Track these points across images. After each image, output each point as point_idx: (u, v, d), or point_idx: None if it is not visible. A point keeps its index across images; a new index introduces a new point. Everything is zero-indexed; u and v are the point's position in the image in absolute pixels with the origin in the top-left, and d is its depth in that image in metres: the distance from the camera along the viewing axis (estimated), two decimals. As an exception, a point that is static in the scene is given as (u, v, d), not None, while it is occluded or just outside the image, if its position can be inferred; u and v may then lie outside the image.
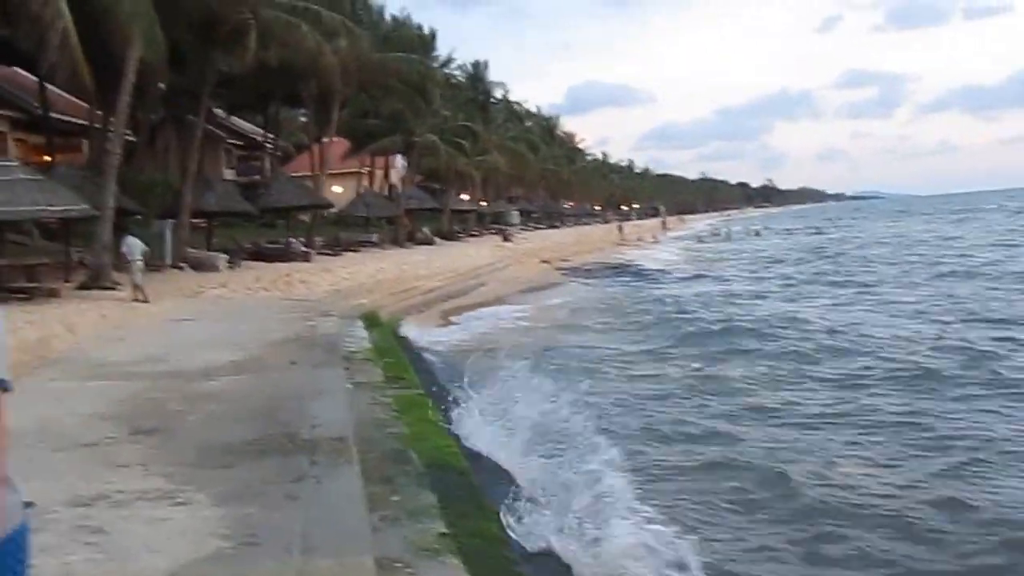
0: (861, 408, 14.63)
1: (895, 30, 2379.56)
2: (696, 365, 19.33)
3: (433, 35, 60.63)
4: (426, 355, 19.39)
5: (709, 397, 15.95)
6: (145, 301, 21.00)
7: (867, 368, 18.07)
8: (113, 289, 22.71)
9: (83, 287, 22.80)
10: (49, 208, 21.37)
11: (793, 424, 13.86)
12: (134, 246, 22.35)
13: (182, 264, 28.99)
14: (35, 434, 8.63)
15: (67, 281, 23.30)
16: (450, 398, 13.59)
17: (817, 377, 17.52)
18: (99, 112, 31.71)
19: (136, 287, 21.47)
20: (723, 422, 14.10)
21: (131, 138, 34.31)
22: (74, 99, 34.73)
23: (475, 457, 10.69)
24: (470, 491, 9.05)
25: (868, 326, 23.91)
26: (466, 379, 13.69)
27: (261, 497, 6.74)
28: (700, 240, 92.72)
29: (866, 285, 35.60)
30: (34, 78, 32.86)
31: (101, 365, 13.33)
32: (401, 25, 54.53)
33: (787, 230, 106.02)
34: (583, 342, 23.39)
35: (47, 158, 34.28)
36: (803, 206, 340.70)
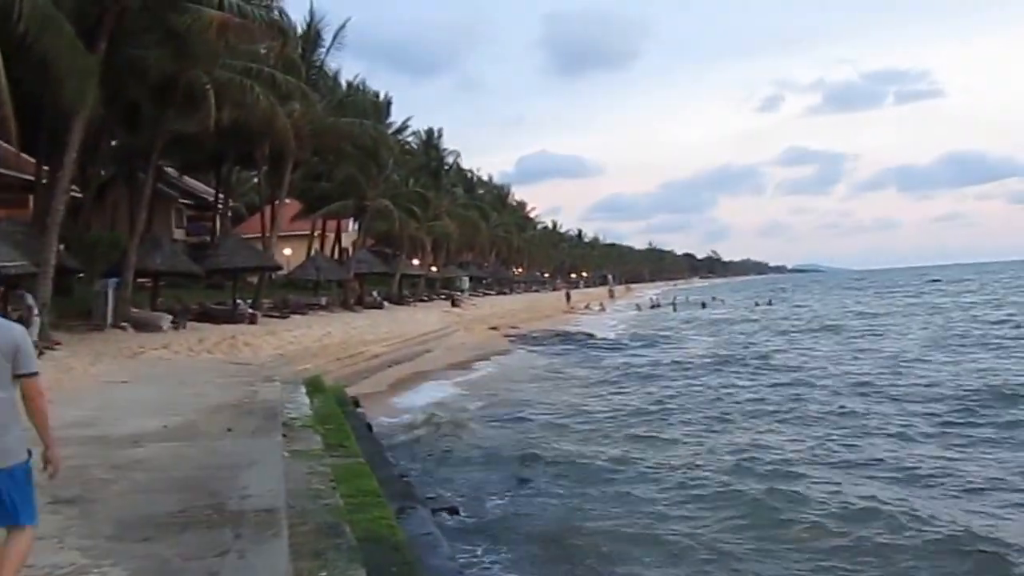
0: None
1: (832, 111, 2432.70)
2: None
3: (388, 102, 60.78)
4: (369, 423, 19.13)
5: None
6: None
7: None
8: (51, 349, 22.22)
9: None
10: (-17, 263, 20.80)
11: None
12: (34, 302, 22.05)
13: (124, 324, 28.43)
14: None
15: None
16: (392, 469, 13.40)
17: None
18: (46, 167, 31.32)
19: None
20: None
21: (78, 194, 33.87)
22: (22, 154, 34.20)
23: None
24: (404, 567, 8.79)
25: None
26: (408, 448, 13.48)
27: (180, 574, 6.47)
28: (640, 308, 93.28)
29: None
30: (-22, 132, 32.41)
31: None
32: (356, 91, 54.54)
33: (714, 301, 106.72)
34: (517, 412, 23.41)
35: (-11, 212, 33.74)
36: (747, 277, 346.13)
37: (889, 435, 19.48)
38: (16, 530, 5.29)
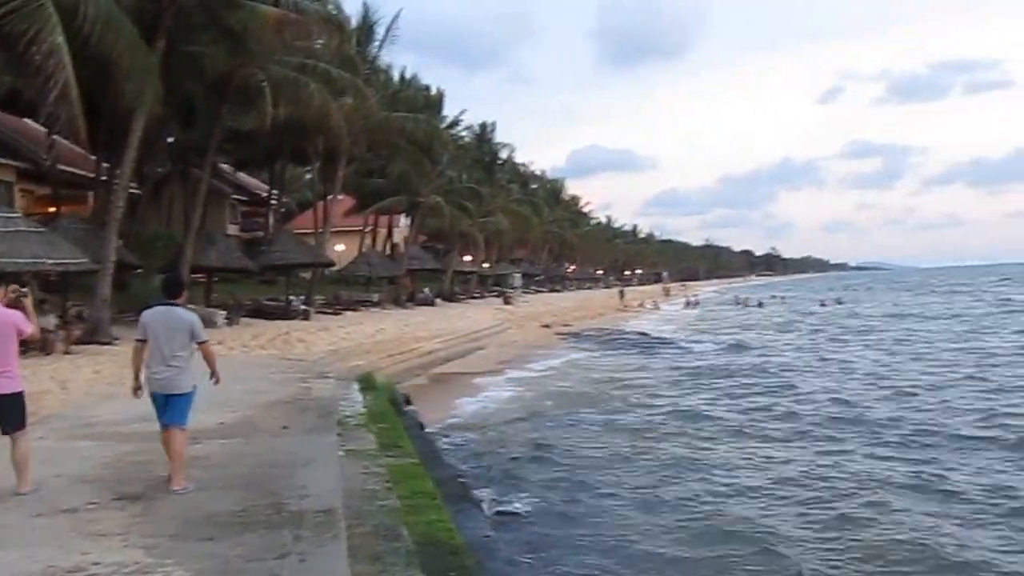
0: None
1: (897, 103, 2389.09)
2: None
3: (441, 96, 60.80)
4: (421, 421, 19.08)
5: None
6: None
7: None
8: (110, 344, 22.51)
9: (79, 341, 22.56)
10: (47, 261, 21.02)
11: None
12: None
13: (179, 319, 28.71)
14: (16, 497, 8.42)
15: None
16: (447, 470, 13.33)
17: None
18: (105, 165, 31.68)
19: None
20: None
21: (136, 191, 34.28)
22: (82, 151, 34.71)
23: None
24: (463, 571, 8.73)
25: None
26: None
27: (242, 575, 6.50)
28: (688, 306, 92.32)
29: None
30: (43, 129, 32.89)
31: (90, 424, 13.15)
32: (409, 85, 54.59)
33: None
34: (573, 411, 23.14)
35: (52, 209, 34.25)
36: (806, 275, 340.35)
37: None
38: (177, 428, 8.98)
